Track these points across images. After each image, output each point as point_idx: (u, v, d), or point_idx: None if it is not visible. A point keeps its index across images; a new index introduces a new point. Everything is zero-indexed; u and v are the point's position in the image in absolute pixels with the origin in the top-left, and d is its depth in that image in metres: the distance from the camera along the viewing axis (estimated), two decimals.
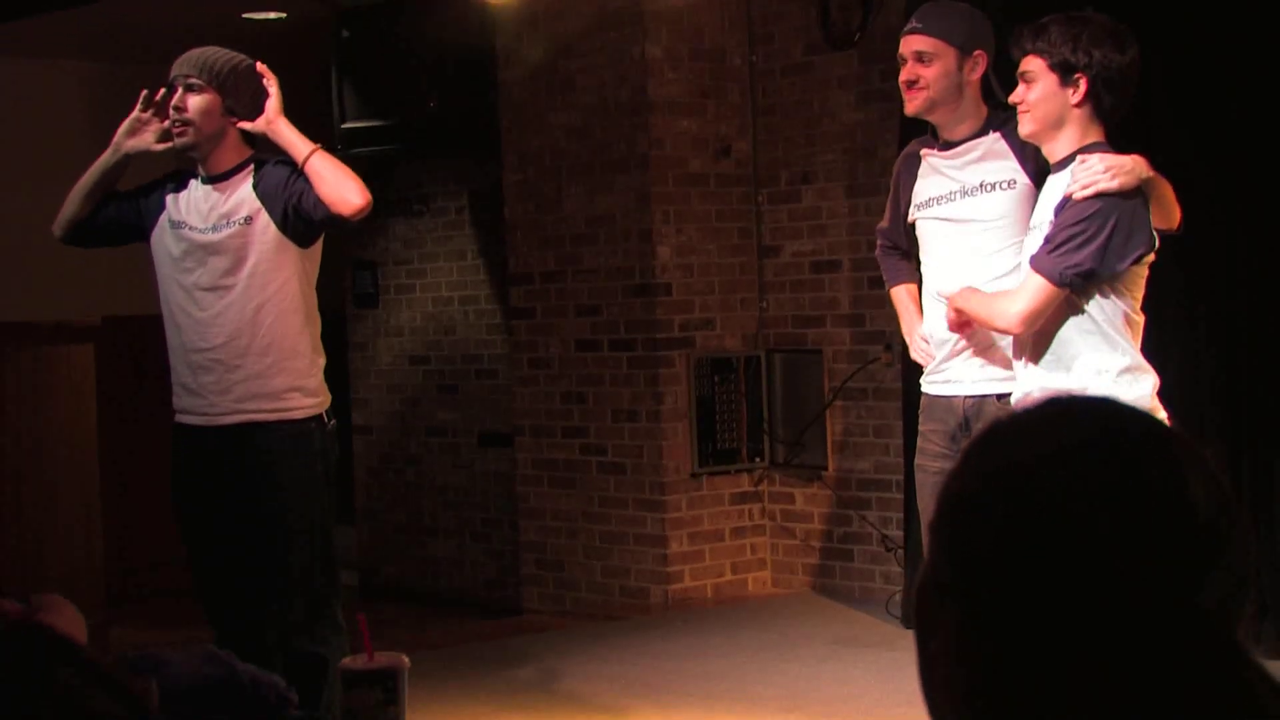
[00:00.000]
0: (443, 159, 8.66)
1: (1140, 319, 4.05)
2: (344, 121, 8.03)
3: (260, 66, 4.61)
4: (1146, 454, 1.23)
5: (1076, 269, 3.93)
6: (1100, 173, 3.92)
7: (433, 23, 7.83)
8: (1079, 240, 3.92)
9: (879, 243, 4.95)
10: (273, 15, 7.94)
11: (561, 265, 7.73)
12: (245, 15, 7.92)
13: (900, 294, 4.87)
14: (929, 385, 4.63)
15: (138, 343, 8.44)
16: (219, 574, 4.57)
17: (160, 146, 4.64)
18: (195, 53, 4.59)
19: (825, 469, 7.40)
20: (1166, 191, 4.04)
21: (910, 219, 4.70)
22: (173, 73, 4.60)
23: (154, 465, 8.62)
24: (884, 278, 4.98)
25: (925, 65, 4.51)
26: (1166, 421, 3.96)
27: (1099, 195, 3.93)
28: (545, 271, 7.80)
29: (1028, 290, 4.01)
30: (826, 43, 7.29)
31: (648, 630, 6.88)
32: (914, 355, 4.72)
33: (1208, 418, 5.73)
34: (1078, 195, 3.94)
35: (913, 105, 4.56)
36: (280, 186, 4.51)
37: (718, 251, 7.53)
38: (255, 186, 4.55)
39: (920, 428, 4.64)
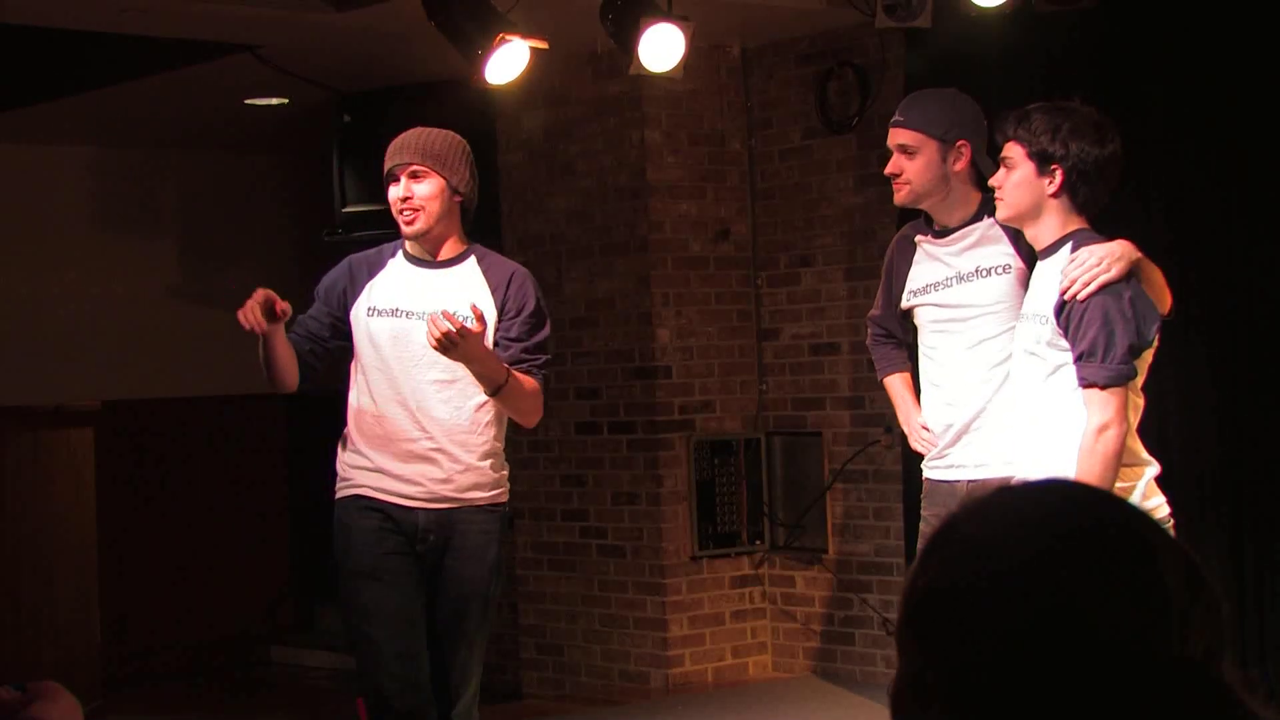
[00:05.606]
0: None
1: (1141, 401, 4.02)
2: (345, 205, 8.05)
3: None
4: (1113, 527, 1.26)
5: (1123, 359, 3.86)
6: (1095, 266, 3.88)
7: (433, 107, 7.84)
8: (1108, 332, 3.86)
9: (870, 331, 4.96)
10: (275, 101, 7.98)
11: (561, 348, 7.73)
12: (248, 101, 7.98)
13: (895, 384, 4.86)
14: (931, 470, 4.62)
15: (137, 427, 8.43)
16: (407, 646, 4.50)
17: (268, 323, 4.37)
18: (411, 139, 4.55)
19: (826, 552, 7.37)
20: (1156, 275, 4.00)
21: (904, 305, 4.70)
22: (389, 163, 4.54)
23: (153, 549, 8.58)
24: (876, 367, 4.97)
25: (908, 158, 4.54)
26: (1166, 506, 3.98)
27: (1103, 287, 3.88)
28: None
29: (1094, 407, 3.86)
30: (825, 127, 7.34)
31: (648, 715, 6.83)
32: (914, 445, 4.70)
33: (1206, 481, 5.70)
34: (1083, 295, 3.87)
35: (898, 197, 4.61)
36: (505, 288, 4.52)
37: (717, 334, 7.55)
38: (485, 274, 4.55)
39: (923, 512, 4.63)
